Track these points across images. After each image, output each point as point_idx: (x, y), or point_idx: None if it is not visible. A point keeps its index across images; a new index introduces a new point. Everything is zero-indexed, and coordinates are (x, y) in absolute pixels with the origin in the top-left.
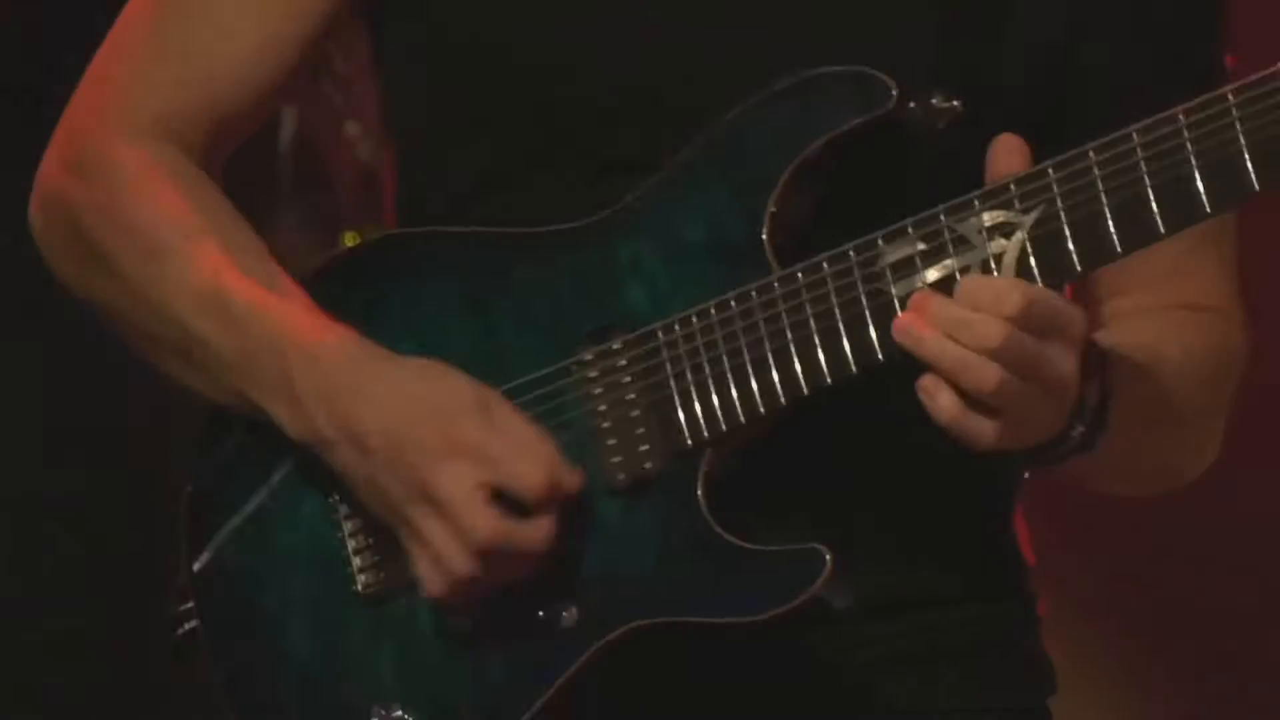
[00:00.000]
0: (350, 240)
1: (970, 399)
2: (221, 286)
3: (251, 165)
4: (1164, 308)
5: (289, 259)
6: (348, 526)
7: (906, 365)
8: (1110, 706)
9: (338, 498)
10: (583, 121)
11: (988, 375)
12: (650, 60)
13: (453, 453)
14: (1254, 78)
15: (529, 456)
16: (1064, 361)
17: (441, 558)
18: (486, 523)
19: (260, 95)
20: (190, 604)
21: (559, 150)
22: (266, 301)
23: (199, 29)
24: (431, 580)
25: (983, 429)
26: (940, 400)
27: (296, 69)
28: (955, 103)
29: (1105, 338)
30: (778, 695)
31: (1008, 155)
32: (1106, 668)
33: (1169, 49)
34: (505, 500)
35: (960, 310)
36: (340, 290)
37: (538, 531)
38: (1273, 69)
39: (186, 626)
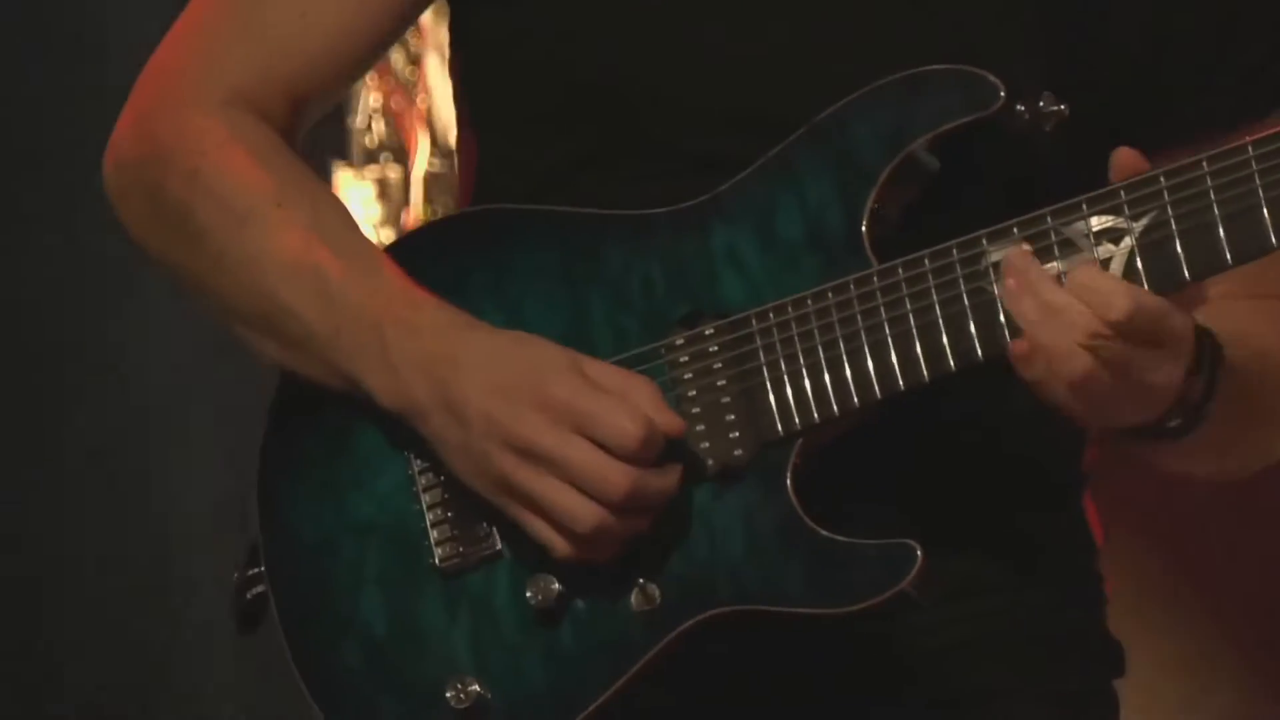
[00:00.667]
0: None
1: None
2: (313, 256)
3: (326, 136)
4: (1253, 297)
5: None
6: (427, 498)
7: (1004, 366)
8: (1175, 689)
9: (417, 469)
10: (669, 117)
11: (1075, 366)
12: (740, 59)
13: (552, 413)
14: None
15: (624, 410)
16: (1158, 371)
17: (568, 515)
18: (617, 471)
19: (340, 73)
20: (258, 569)
21: (645, 144)
22: (359, 271)
23: (280, 4)
24: (557, 542)
25: (1069, 405)
26: (1032, 369)
27: (378, 48)
28: (1062, 106)
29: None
30: (843, 682)
31: (1127, 167)
32: (1171, 649)
33: (1258, 47)
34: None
35: (1063, 297)
36: (430, 260)
37: (670, 477)
38: None
39: (254, 591)
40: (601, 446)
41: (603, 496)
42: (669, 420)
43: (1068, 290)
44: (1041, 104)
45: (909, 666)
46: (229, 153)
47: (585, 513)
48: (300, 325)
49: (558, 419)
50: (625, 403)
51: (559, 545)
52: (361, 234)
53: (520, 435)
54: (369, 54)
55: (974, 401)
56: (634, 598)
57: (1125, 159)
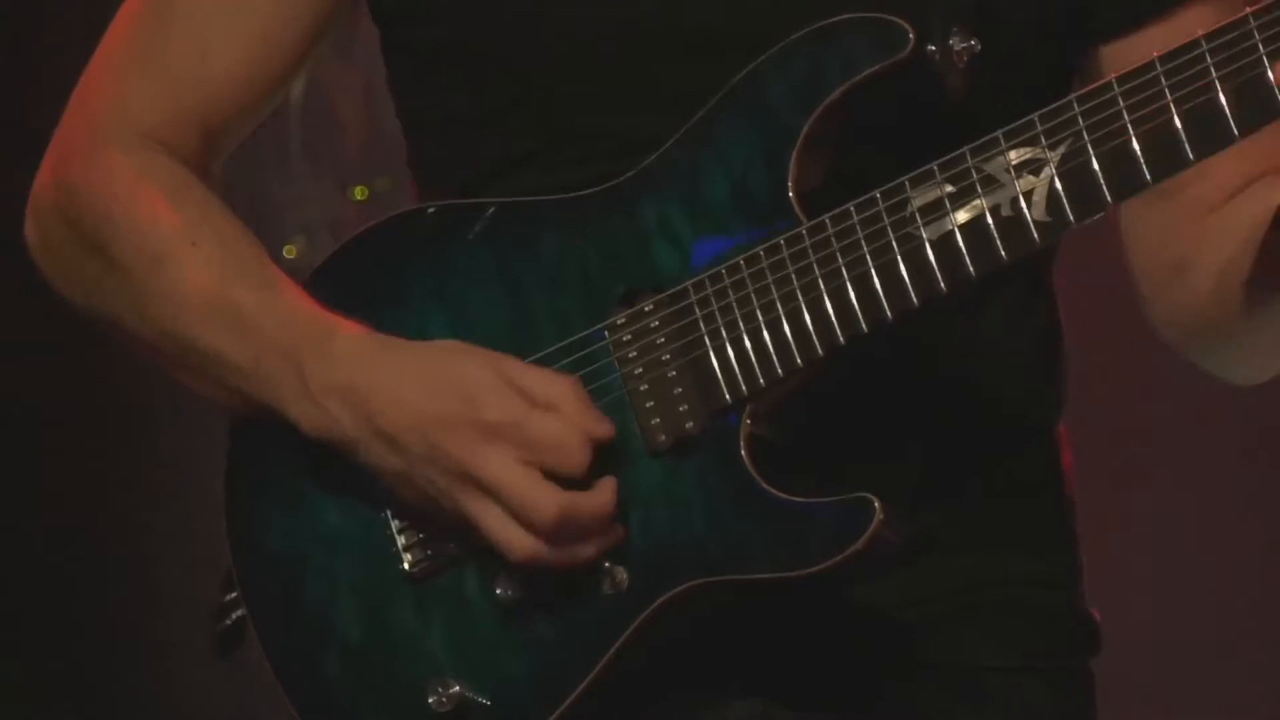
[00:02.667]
0: (360, 194)
1: None
2: (226, 291)
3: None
4: None
5: (301, 210)
6: (390, 506)
7: (942, 309)
8: (1153, 667)
9: (375, 483)
10: (596, 106)
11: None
12: (657, 40)
13: (490, 437)
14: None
15: (564, 425)
16: None
17: (507, 541)
18: (548, 499)
19: (248, 105)
20: (235, 594)
21: (575, 135)
22: (271, 303)
23: (186, 40)
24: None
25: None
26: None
27: (284, 79)
28: (973, 42)
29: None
30: (822, 652)
31: None
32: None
33: None
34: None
35: None
36: (369, 266)
37: (600, 497)
38: None
39: (233, 617)
40: (545, 468)
41: (534, 525)
42: (602, 424)
43: None
44: (951, 42)
45: (882, 637)
46: (140, 194)
47: (520, 541)
48: (219, 361)
49: (501, 444)
50: (563, 418)
51: (509, 560)
52: (273, 267)
53: (464, 463)
54: (276, 85)
55: (931, 348)
56: (602, 582)
57: None
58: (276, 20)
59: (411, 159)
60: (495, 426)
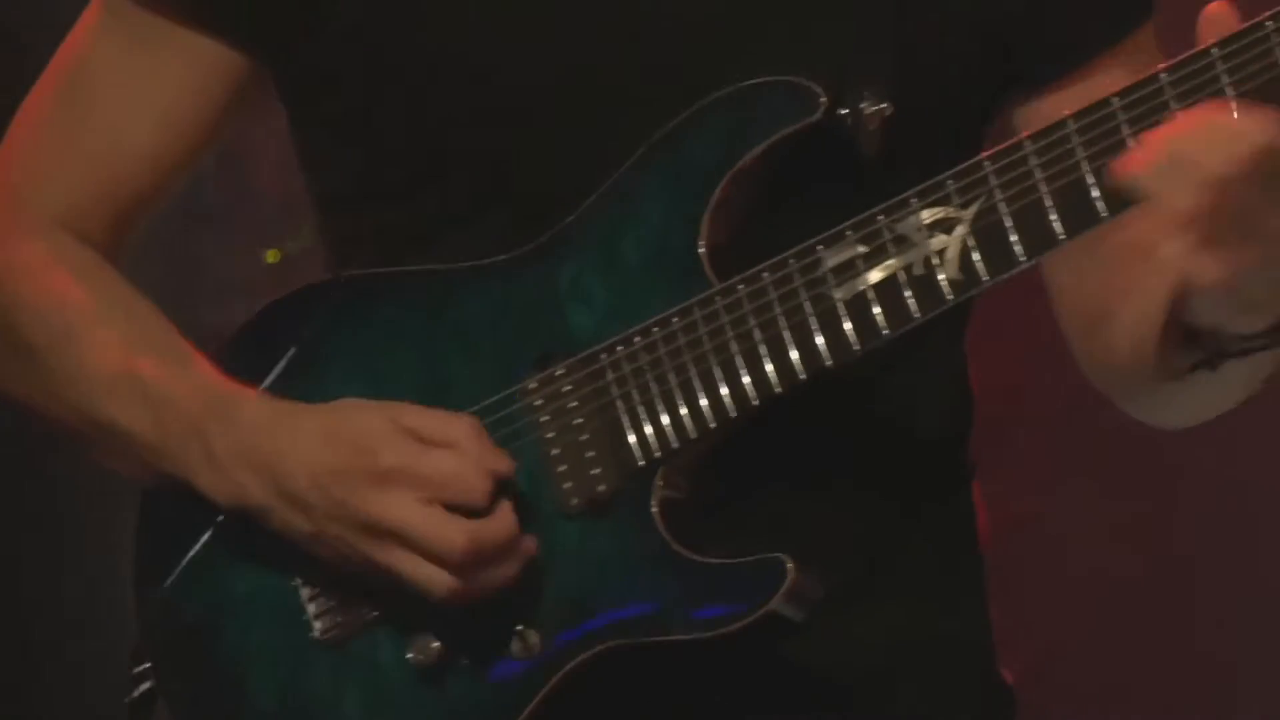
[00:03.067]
0: (272, 257)
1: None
2: (132, 365)
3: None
4: None
5: (214, 272)
6: (299, 573)
7: (856, 368)
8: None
9: (285, 550)
10: (509, 171)
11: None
12: (569, 103)
13: (385, 483)
14: (1183, 56)
15: (460, 461)
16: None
17: (426, 580)
18: (456, 531)
19: (162, 177)
20: (146, 665)
21: (488, 200)
22: (176, 374)
23: (97, 121)
24: (432, 599)
25: (1206, 270)
26: (1164, 250)
27: (193, 158)
28: (884, 105)
29: None
30: (744, 708)
31: (1214, 26)
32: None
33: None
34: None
35: (1184, 143)
36: (283, 336)
37: (501, 521)
38: (1202, 47)
39: (142, 688)
40: (446, 503)
41: (444, 559)
42: (500, 459)
43: (1184, 136)
44: (864, 105)
45: (794, 692)
46: (50, 275)
47: (436, 578)
48: (127, 436)
49: (398, 489)
50: (459, 455)
51: (433, 601)
52: (179, 339)
53: (363, 513)
54: (185, 161)
55: (844, 403)
56: (514, 646)
57: (1208, 16)
58: (185, 100)
59: (323, 231)
60: (389, 471)
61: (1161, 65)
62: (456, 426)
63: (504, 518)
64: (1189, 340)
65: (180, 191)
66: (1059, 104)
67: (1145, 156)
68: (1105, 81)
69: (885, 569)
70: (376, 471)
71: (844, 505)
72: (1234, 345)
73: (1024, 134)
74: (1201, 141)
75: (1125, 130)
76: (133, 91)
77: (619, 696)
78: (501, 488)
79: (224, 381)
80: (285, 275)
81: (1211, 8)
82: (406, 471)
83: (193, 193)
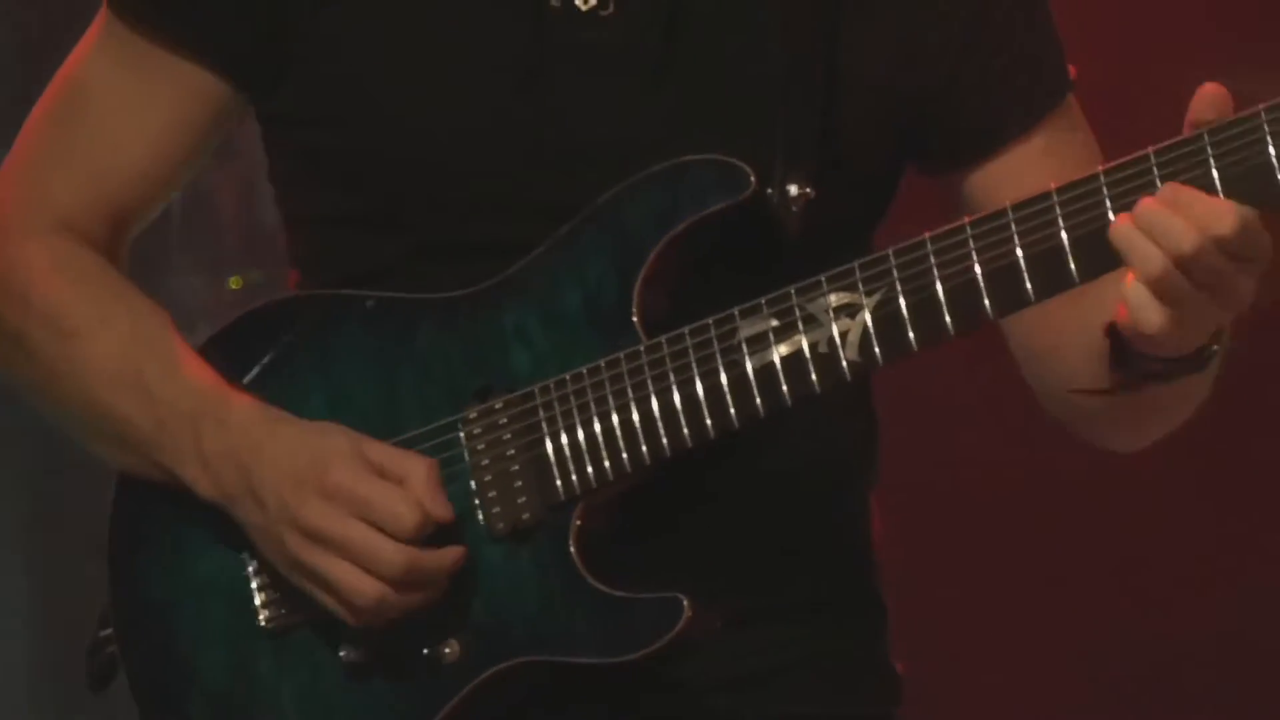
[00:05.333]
0: (235, 284)
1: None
2: (133, 363)
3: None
4: None
5: (179, 298)
6: (252, 565)
7: (759, 429)
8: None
9: (244, 541)
10: (466, 216)
11: (1172, 279)
12: (519, 150)
13: (330, 497)
14: (1077, 179)
15: (400, 496)
16: (1247, 285)
17: (351, 591)
18: (390, 551)
19: (154, 188)
20: (108, 631)
21: (445, 241)
22: (174, 373)
23: (98, 134)
24: (345, 614)
25: (1156, 321)
26: (1142, 312)
27: (189, 166)
28: (808, 190)
29: None
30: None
31: (1208, 108)
32: (950, 676)
33: (1013, 79)
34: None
35: (1164, 213)
36: (254, 344)
37: (444, 555)
38: (1093, 171)
39: (106, 652)
40: (380, 528)
41: (381, 573)
42: (440, 506)
43: (1169, 208)
44: (789, 188)
45: (695, 695)
46: (55, 277)
47: (366, 588)
48: (126, 426)
49: (340, 504)
50: (402, 489)
51: (348, 616)
52: (178, 339)
53: (306, 519)
54: (178, 173)
55: (756, 442)
56: (437, 651)
57: (1202, 96)
58: (175, 122)
59: (291, 249)
60: (335, 487)
61: (1055, 185)
62: (414, 465)
63: (451, 552)
64: (1116, 364)
65: (151, 224)
66: (978, 181)
67: (1130, 222)
68: (1026, 156)
69: (784, 586)
70: (325, 485)
71: (745, 534)
72: (1158, 368)
73: (925, 233)
74: (1180, 218)
75: (1016, 240)
76: (127, 112)
77: (530, 705)
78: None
79: (218, 383)
80: (248, 302)
81: (1207, 88)
82: (349, 491)
83: (159, 222)
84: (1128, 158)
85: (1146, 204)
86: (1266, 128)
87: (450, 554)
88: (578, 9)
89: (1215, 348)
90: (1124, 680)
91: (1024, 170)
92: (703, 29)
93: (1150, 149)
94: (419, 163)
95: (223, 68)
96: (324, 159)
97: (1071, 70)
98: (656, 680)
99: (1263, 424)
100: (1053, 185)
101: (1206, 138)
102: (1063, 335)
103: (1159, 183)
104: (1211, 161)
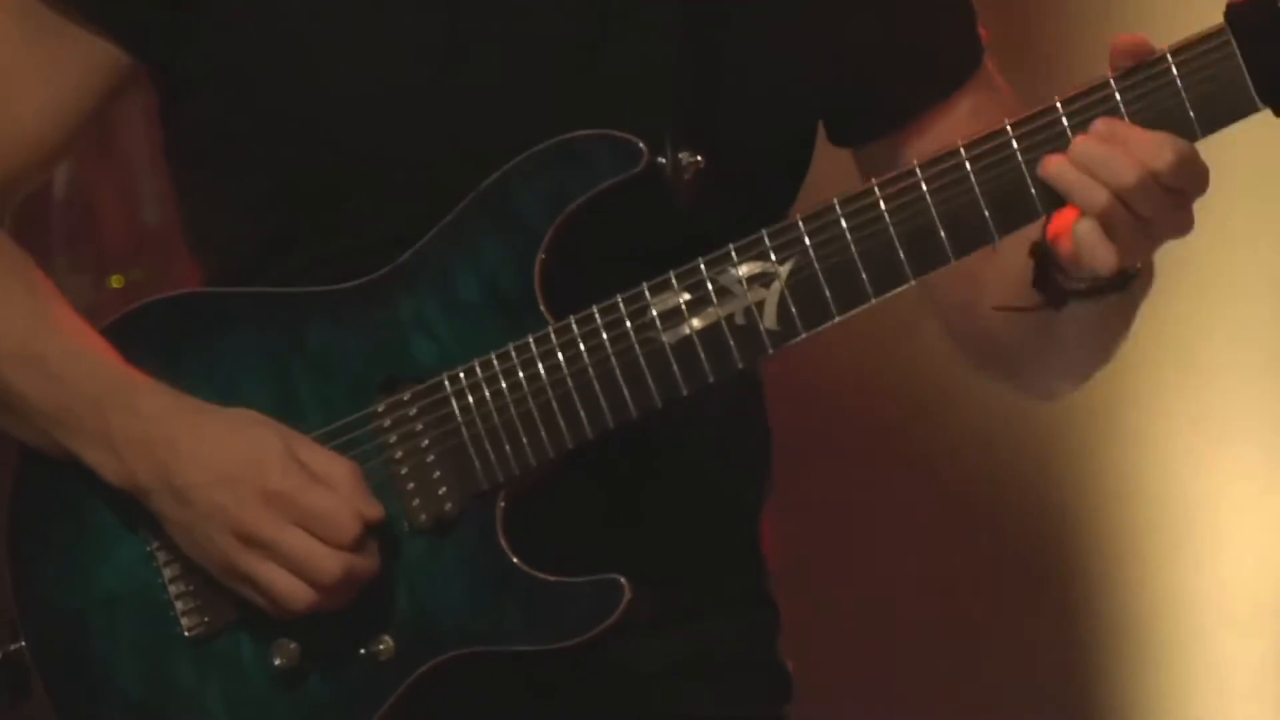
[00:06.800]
0: (116, 282)
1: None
2: (35, 342)
3: (27, 212)
4: None
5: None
6: (168, 571)
7: (680, 407)
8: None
9: (155, 544)
10: (366, 198)
11: (1115, 213)
12: (430, 138)
13: (270, 503)
14: (983, 134)
15: (338, 503)
16: (1187, 215)
17: (287, 595)
18: (330, 558)
19: (39, 158)
20: (20, 644)
21: (343, 223)
22: (79, 354)
23: None
24: (278, 612)
25: (1106, 257)
26: (1091, 247)
27: (76, 135)
28: (698, 158)
29: None
30: (557, 707)
31: (1123, 58)
32: (839, 674)
33: (927, 47)
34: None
35: (1101, 147)
36: (144, 341)
37: (372, 558)
38: (999, 126)
39: (17, 664)
40: (318, 534)
41: (318, 581)
42: (374, 509)
43: (1106, 142)
44: (680, 157)
45: (611, 691)
46: None
47: (302, 594)
48: (27, 404)
49: (279, 510)
50: (338, 495)
51: (280, 614)
52: (79, 319)
53: (244, 523)
54: (61, 148)
55: (665, 440)
56: (370, 649)
57: (1119, 46)
58: (71, 90)
59: (185, 231)
60: (276, 494)
61: (961, 141)
62: (339, 468)
63: (375, 555)
64: (1039, 283)
65: (32, 222)
66: (894, 153)
67: (1069, 160)
68: (945, 124)
69: (680, 590)
70: (265, 489)
71: (652, 530)
72: (1081, 287)
73: (835, 198)
74: (1119, 152)
75: (929, 199)
76: (25, 76)
77: (467, 699)
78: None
79: (124, 368)
80: (130, 301)
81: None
82: (291, 498)
83: (39, 220)
84: (1035, 109)
85: (1084, 140)
86: (1174, 70)
87: (375, 556)
88: None
89: (1137, 268)
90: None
91: (943, 138)
92: (624, 16)
93: (1057, 99)
94: (322, 145)
95: (121, 36)
96: (220, 135)
97: (984, 34)
98: (582, 670)
99: None
100: (959, 141)
101: (1114, 84)
102: (981, 289)
103: (1070, 133)
104: (1121, 108)
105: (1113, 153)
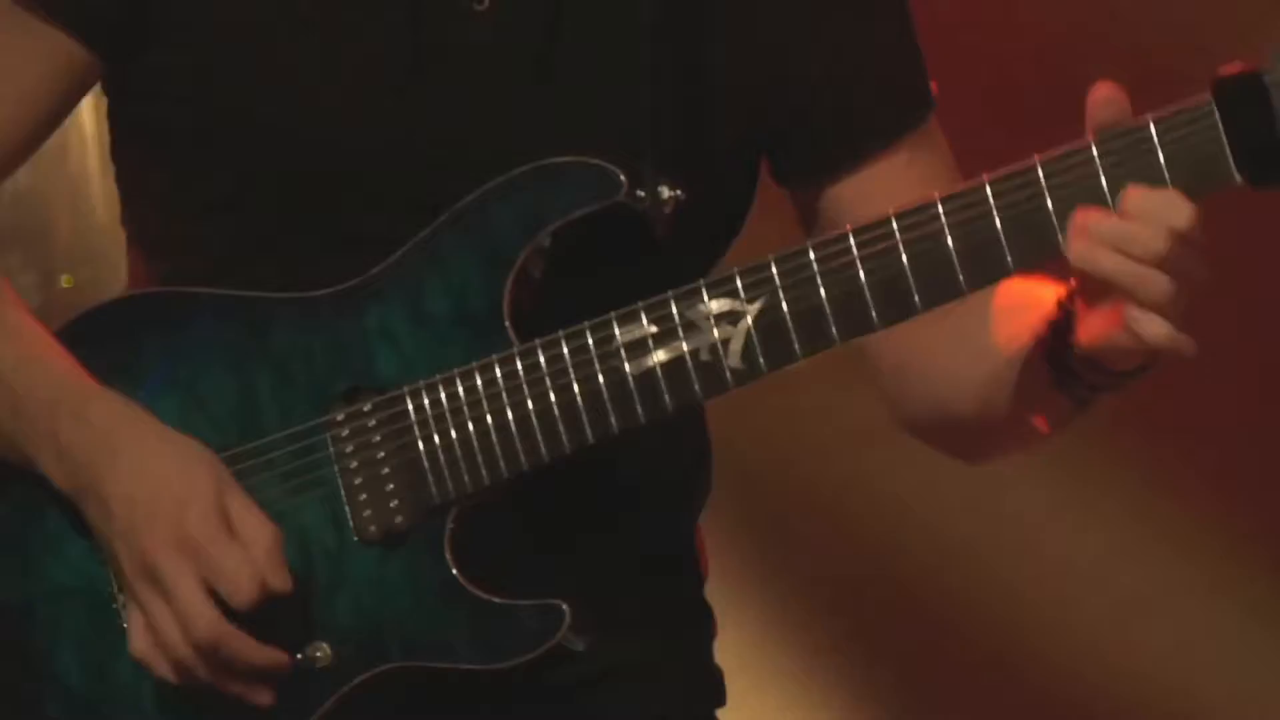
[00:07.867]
0: (67, 282)
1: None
2: None
3: None
4: None
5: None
6: (113, 567)
7: (637, 434)
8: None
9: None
10: (326, 201)
11: (1161, 284)
12: (392, 144)
13: (179, 546)
14: (962, 188)
15: (244, 565)
16: (1205, 269)
17: (160, 636)
18: (206, 620)
19: (8, 155)
20: None
21: (301, 227)
22: (32, 359)
23: None
24: (141, 648)
25: (1158, 330)
26: (1150, 327)
27: (43, 131)
28: (678, 192)
29: None
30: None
31: (1104, 107)
32: (774, 676)
33: (876, 95)
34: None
35: (1125, 224)
36: (105, 340)
37: (248, 648)
38: (975, 181)
39: None
40: (217, 591)
41: (189, 637)
42: (281, 580)
43: (1121, 216)
44: (659, 189)
45: (540, 694)
46: None
47: (175, 641)
48: None
49: (184, 555)
50: (246, 556)
51: (142, 651)
52: (34, 322)
53: (148, 555)
54: (28, 144)
55: (601, 454)
56: (308, 657)
57: (1097, 96)
58: (42, 86)
59: (132, 231)
60: (187, 538)
61: (939, 195)
62: (260, 530)
63: (267, 652)
64: (1057, 382)
65: None
66: (834, 195)
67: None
68: (885, 173)
69: (619, 596)
70: (179, 531)
71: (590, 547)
72: (1110, 382)
73: (808, 241)
74: (1137, 222)
75: (901, 249)
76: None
77: (404, 709)
78: (273, 601)
79: (80, 376)
80: (80, 301)
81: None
82: (200, 547)
83: None
84: (1011, 167)
85: (1101, 218)
86: (1156, 138)
87: (268, 654)
88: (455, 3)
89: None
90: (941, 683)
91: (881, 187)
92: (581, 29)
93: (1037, 158)
94: (284, 149)
95: (84, 34)
96: (179, 137)
97: (934, 87)
98: (519, 684)
99: None
100: (936, 195)
101: (1095, 147)
102: (932, 354)
103: (1047, 195)
104: (1101, 173)
105: (1132, 225)
